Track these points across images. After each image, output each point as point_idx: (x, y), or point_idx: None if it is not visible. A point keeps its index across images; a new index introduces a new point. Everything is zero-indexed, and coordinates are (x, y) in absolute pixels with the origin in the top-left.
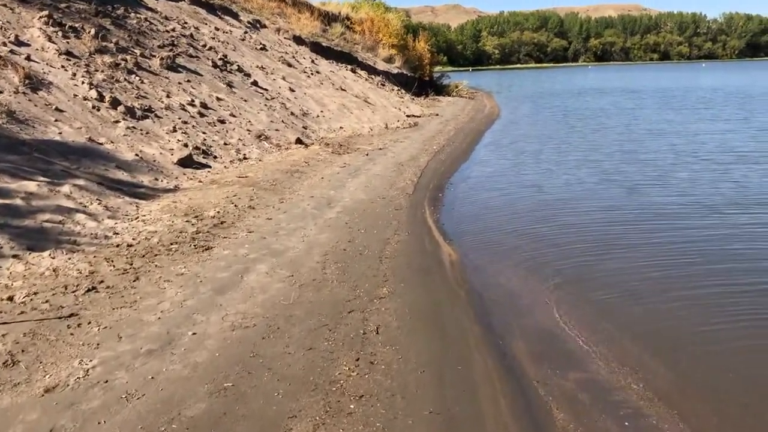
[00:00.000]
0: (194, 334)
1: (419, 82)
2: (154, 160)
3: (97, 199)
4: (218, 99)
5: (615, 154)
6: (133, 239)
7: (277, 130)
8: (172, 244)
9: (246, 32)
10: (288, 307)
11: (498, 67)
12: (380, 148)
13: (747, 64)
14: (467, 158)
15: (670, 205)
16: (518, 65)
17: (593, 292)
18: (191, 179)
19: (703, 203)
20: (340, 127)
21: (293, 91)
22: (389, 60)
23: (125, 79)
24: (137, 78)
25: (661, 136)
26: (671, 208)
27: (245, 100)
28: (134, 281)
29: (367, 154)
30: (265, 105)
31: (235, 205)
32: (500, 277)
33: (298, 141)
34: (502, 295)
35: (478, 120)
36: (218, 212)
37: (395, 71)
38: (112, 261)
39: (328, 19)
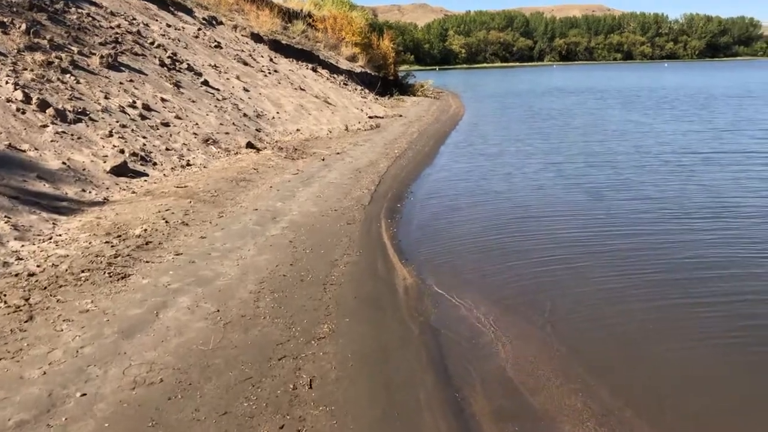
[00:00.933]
0: (83, 395)
1: (383, 82)
2: (84, 169)
3: (5, 217)
4: (163, 100)
5: (579, 157)
6: (38, 266)
7: (227, 133)
8: (83, 271)
9: (200, 29)
10: (206, 354)
11: (465, 66)
12: (338, 153)
13: (707, 65)
14: (430, 163)
15: (639, 212)
16: (485, 64)
17: (563, 324)
18: (124, 190)
19: (669, 208)
20: (297, 130)
21: (248, 91)
22: (352, 59)
23: (58, 79)
24: (72, 78)
25: (625, 137)
26: (641, 216)
27: (193, 101)
28: (26, 322)
29: (323, 159)
30: (216, 106)
31: (167, 221)
32: (461, 306)
33: (249, 145)
34: (462, 331)
35: (443, 121)
36: (145, 230)
37: (359, 70)
38: (4, 295)
39: (289, 16)
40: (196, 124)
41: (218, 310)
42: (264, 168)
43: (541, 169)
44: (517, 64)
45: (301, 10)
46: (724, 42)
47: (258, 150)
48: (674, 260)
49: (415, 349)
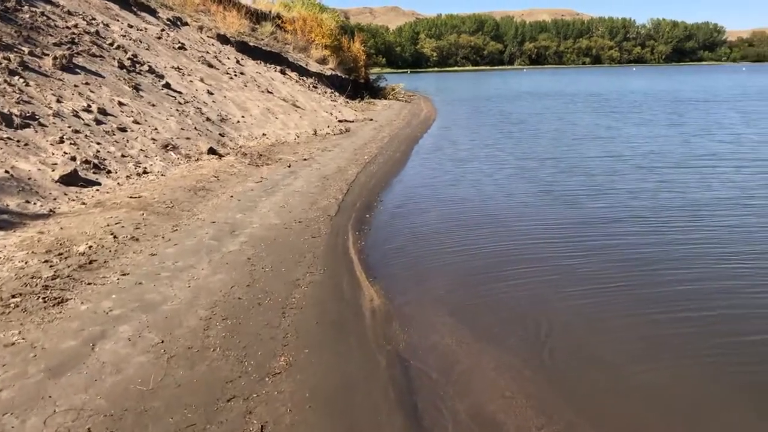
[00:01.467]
0: None
1: (354, 85)
2: (30, 178)
3: None
4: (121, 104)
5: (551, 162)
6: None
7: (188, 138)
8: (13, 296)
9: (164, 30)
10: (145, 395)
11: (436, 69)
12: (305, 159)
13: (674, 69)
14: (401, 169)
15: (614, 221)
16: (456, 68)
17: (544, 352)
18: (73, 201)
19: (644, 216)
20: (263, 134)
21: (212, 94)
22: (323, 61)
23: (5, 81)
24: (21, 80)
25: (597, 142)
26: (617, 226)
27: (153, 105)
28: None
29: (289, 166)
30: (177, 110)
31: (115, 237)
32: (433, 332)
33: (211, 151)
34: (433, 362)
35: (414, 125)
36: (91, 247)
37: (329, 73)
38: None
39: (258, 17)
40: (156, 129)
41: (162, 341)
42: (225, 175)
43: (512, 175)
44: (488, 67)
45: (270, 12)
46: (689, 47)
47: (220, 156)
48: (653, 274)
49: (381, 386)
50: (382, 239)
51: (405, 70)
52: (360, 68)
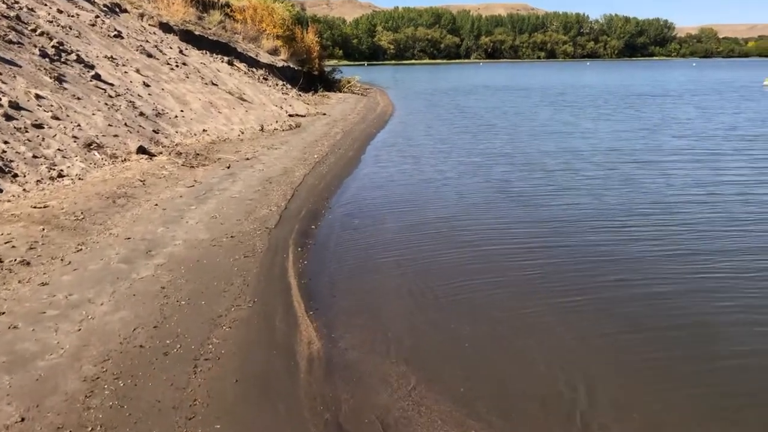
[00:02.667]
0: None
1: (308, 77)
2: None
3: None
4: (38, 97)
5: (508, 159)
6: None
7: (116, 135)
8: None
9: (98, 17)
10: None
11: (393, 62)
12: (248, 158)
13: (626, 64)
14: (353, 170)
15: (574, 221)
16: (413, 61)
17: (516, 413)
18: None
19: (606, 215)
20: (203, 131)
21: (148, 86)
22: (274, 52)
23: None
24: None
25: (554, 137)
26: (576, 226)
27: (78, 98)
28: None
29: (228, 167)
30: (106, 104)
31: (0, 261)
32: (385, 389)
33: (141, 150)
34: None
35: (370, 120)
36: None
37: (280, 64)
38: None
39: (205, 5)
40: (78, 125)
41: (23, 419)
42: (153, 179)
43: (472, 174)
44: (445, 61)
45: (219, 0)
46: (641, 42)
47: (151, 156)
48: (616, 281)
49: None
50: (329, 257)
51: (362, 63)
52: (314, 60)
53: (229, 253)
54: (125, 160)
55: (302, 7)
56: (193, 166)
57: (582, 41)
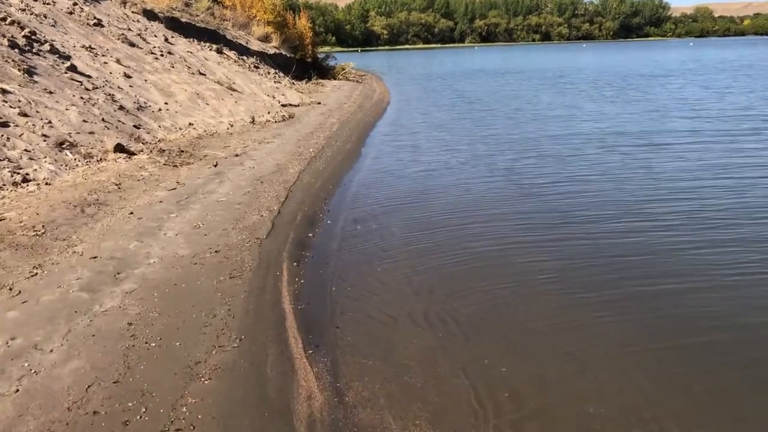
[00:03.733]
0: None
1: (301, 64)
2: None
3: None
4: (4, 92)
5: (514, 146)
6: None
7: (91, 132)
8: None
9: (76, 4)
10: None
11: (387, 47)
12: (237, 154)
13: (622, 45)
14: (352, 165)
15: (601, 221)
16: (407, 46)
17: None
18: None
19: (627, 203)
20: (189, 124)
21: (129, 77)
22: (265, 39)
23: None
24: None
25: (561, 121)
26: (605, 228)
27: (51, 92)
28: None
29: (215, 165)
30: (82, 98)
31: None
32: None
33: (119, 148)
34: None
35: (367, 109)
36: None
37: (272, 51)
38: None
39: None
40: (49, 122)
41: None
42: (131, 182)
43: (481, 166)
44: (439, 45)
45: None
46: (636, 23)
47: (131, 154)
48: (642, 275)
49: None
50: (329, 274)
51: (355, 49)
52: (307, 46)
53: (212, 273)
54: (101, 159)
55: None
56: (176, 165)
57: (577, 23)
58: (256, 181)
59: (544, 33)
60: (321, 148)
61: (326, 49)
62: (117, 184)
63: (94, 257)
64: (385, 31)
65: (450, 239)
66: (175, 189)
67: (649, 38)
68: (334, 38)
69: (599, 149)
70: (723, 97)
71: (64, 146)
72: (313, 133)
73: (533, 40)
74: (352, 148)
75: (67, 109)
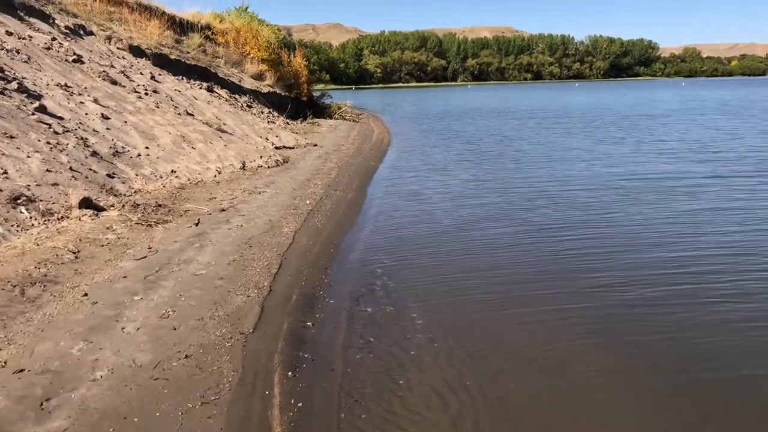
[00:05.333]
0: None
1: (296, 103)
2: None
3: None
4: None
5: (530, 193)
6: None
7: (55, 184)
8: None
9: (55, 39)
10: None
11: (380, 85)
12: (223, 209)
13: (613, 84)
14: (355, 220)
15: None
16: (400, 84)
17: None
18: None
19: (669, 264)
20: (172, 172)
21: (107, 119)
22: (259, 77)
23: None
24: None
25: (573, 165)
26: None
27: (11, 137)
28: None
29: (197, 223)
30: (48, 143)
31: None
32: None
33: (86, 203)
34: None
35: (367, 151)
36: None
37: (266, 90)
38: None
39: (184, 28)
40: (5, 172)
41: None
42: (92, 248)
43: (498, 220)
44: (432, 83)
45: (199, 22)
46: (626, 63)
47: (98, 210)
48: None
49: None
50: (337, 390)
51: (349, 87)
52: (302, 84)
53: (178, 396)
54: (62, 217)
55: (288, 32)
56: (150, 225)
57: (568, 62)
58: (243, 244)
59: (535, 72)
60: (319, 199)
61: (320, 86)
62: (75, 252)
63: (20, 371)
64: (379, 70)
65: (482, 330)
66: (145, 258)
67: (639, 78)
68: (328, 76)
69: (620, 196)
70: (736, 139)
71: (18, 201)
72: (309, 181)
73: (525, 78)
74: (353, 199)
75: (28, 157)
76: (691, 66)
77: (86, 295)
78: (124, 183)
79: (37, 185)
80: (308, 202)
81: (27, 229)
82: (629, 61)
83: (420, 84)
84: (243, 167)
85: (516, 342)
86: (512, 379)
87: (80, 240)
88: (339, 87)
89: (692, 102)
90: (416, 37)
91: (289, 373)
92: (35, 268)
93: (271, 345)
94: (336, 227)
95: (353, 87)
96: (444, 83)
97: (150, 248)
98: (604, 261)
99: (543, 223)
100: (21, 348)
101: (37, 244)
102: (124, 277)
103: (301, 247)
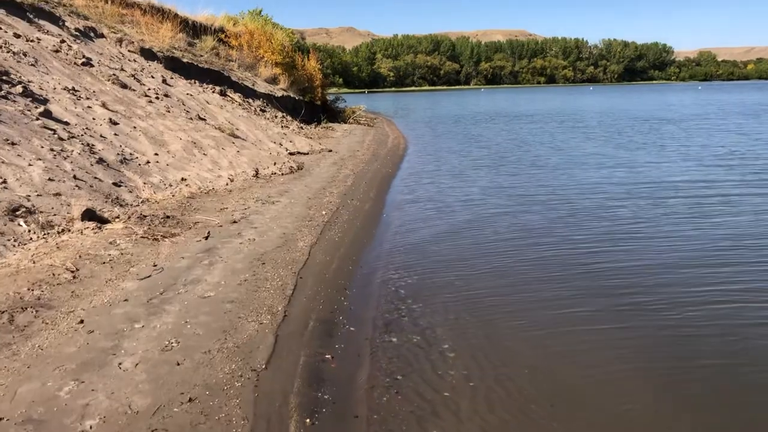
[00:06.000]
0: None
1: (310, 107)
2: None
3: None
4: None
5: (557, 203)
6: None
7: (57, 194)
8: None
9: (64, 42)
10: None
11: (393, 89)
12: (235, 221)
13: (629, 88)
14: (374, 233)
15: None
16: (413, 88)
17: None
18: None
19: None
20: (182, 179)
21: (116, 124)
22: (273, 80)
23: None
24: None
25: (591, 169)
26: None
27: (13, 144)
28: None
29: (206, 237)
30: (52, 149)
31: None
32: None
33: (89, 215)
34: None
35: (382, 157)
36: None
37: (280, 94)
38: None
39: (197, 30)
40: (4, 182)
41: None
42: (93, 266)
43: (528, 237)
44: (445, 87)
45: (212, 25)
46: (640, 66)
47: (102, 223)
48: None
49: None
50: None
51: (362, 90)
52: (316, 88)
53: None
54: (63, 230)
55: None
56: (156, 239)
57: (581, 66)
58: (256, 261)
59: (548, 76)
60: (335, 209)
61: (333, 90)
62: (73, 271)
63: None
64: (392, 73)
65: (524, 363)
66: (149, 277)
67: (654, 81)
68: (341, 80)
69: (649, 205)
70: (763, 144)
71: (17, 213)
72: (325, 189)
73: (538, 82)
74: (371, 210)
75: (30, 165)
76: (706, 69)
77: (82, 322)
78: (131, 192)
79: (38, 195)
80: (324, 212)
81: (24, 244)
82: (644, 65)
83: (433, 87)
84: (256, 174)
85: (560, 377)
86: (564, 427)
87: (80, 257)
88: (352, 91)
89: (711, 106)
90: (429, 41)
91: (307, 421)
92: (28, 290)
93: (287, 384)
94: (354, 241)
95: (366, 91)
96: (457, 87)
97: (155, 266)
98: (639, 277)
99: (570, 235)
100: (2, 390)
101: (34, 262)
102: (125, 300)
103: (318, 263)
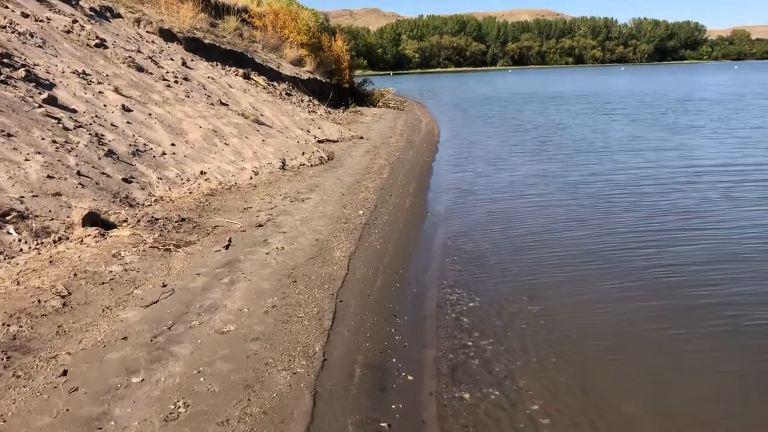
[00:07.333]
0: None
1: (337, 90)
2: None
3: None
4: None
5: (616, 190)
6: None
7: (57, 194)
8: None
9: (76, 22)
10: None
11: (418, 71)
12: (260, 224)
13: (661, 68)
14: (421, 236)
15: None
16: (438, 69)
17: None
18: None
19: None
20: (201, 173)
21: (129, 111)
22: (298, 62)
23: None
24: None
25: (643, 154)
26: None
27: (10, 135)
28: None
29: (227, 246)
30: (54, 141)
31: None
32: None
33: (92, 219)
34: None
35: (418, 144)
36: None
37: (306, 76)
38: None
39: (219, 11)
40: None
41: None
42: (89, 287)
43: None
44: (471, 68)
45: (235, 5)
46: (671, 46)
47: (107, 228)
48: None
49: None
50: None
51: (387, 72)
52: (343, 70)
53: None
54: (60, 239)
55: (326, 18)
56: (168, 248)
57: (611, 46)
58: (286, 278)
59: (577, 56)
60: (373, 208)
61: (358, 72)
62: (64, 296)
63: None
64: (417, 55)
65: None
66: (156, 303)
67: (685, 61)
68: (365, 61)
69: (715, 194)
70: None
71: (7, 219)
72: (359, 183)
73: (566, 63)
74: (412, 208)
75: (26, 160)
76: (739, 48)
77: (65, 373)
78: (143, 189)
79: (33, 196)
80: (361, 212)
81: (12, 257)
82: (675, 44)
83: (459, 69)
84: (283, 166)
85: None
86: None
87: (75, 275)
88: (377, 73)
89: (755, 85)
90: (455, 22)
91: None
92: (4, 325)
93: None
94: (398, 249)
95: (391, 72)
96: (483, 68)
97: (164, 285)
98: (717, 273)
99: (672, 248)
100: None
101: (18, 283)
102: (124, 338)
103: (359, 280)
